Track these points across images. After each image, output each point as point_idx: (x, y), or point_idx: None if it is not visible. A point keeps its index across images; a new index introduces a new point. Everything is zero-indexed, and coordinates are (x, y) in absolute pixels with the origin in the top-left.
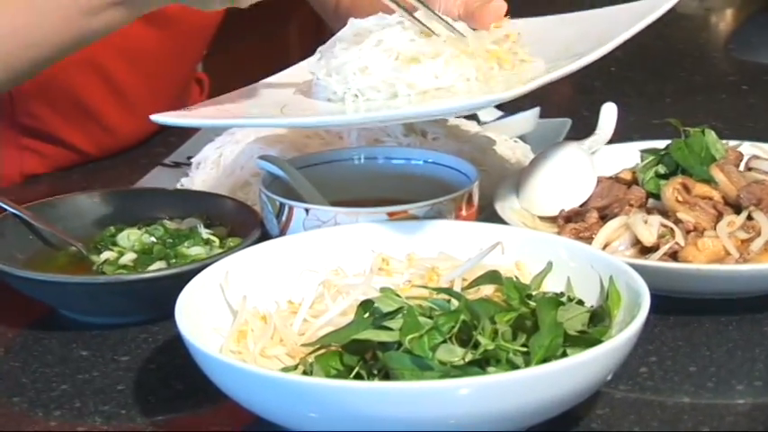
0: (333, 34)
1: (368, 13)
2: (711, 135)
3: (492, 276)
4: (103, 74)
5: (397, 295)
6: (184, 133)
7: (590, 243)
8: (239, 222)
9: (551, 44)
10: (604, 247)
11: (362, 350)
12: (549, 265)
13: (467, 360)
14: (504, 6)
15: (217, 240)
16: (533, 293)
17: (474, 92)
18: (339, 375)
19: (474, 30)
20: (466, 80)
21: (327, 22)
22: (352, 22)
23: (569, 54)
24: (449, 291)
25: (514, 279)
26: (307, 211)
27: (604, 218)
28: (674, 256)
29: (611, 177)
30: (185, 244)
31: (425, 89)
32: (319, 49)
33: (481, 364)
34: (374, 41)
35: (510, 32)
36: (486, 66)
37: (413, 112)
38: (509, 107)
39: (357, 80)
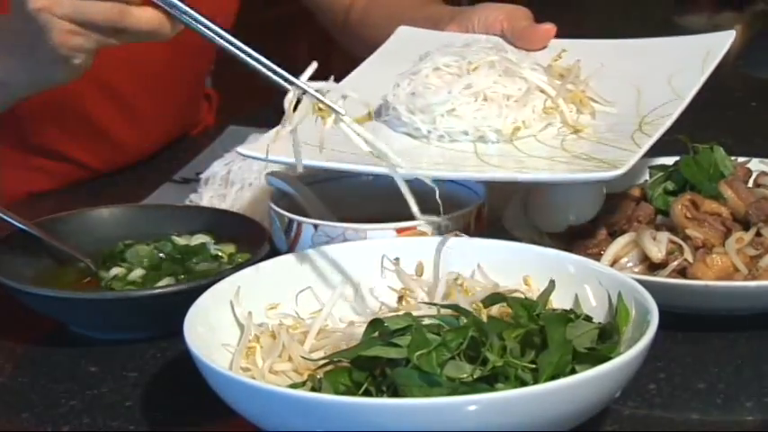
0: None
1: (379, 29)
2: (720, 151)
3: (495, 297)
4: (110, 90)
5: (408, 314)
6: (193, 149)
7: (598, 259)
8: (248, 238)
9: (613, 79)
10: (613, 264)
11: (371, 366)
12: (552, 283)
13: (475, 376)
14: (554, 29)
15: (225, 256)
16: (541, 312)
17: (568, 148)
18: (348, 392)
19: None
20: (549, 125)
21: (335, 36)
22: (431, 55)
23: (646, 105)
24: (456, 307)
25: (522, 296)
26: (315, 227)
27: (613, 234)
28: (682, 272)
29: (619, 194)
30: (194, 260)
31: (513, 135)
32: (397, 77)
33: (489, 381)
34: (462, 85)
35: (569, 65)
36: (567, 109)
37: (531, 178)
38: None
39: (444, 122)
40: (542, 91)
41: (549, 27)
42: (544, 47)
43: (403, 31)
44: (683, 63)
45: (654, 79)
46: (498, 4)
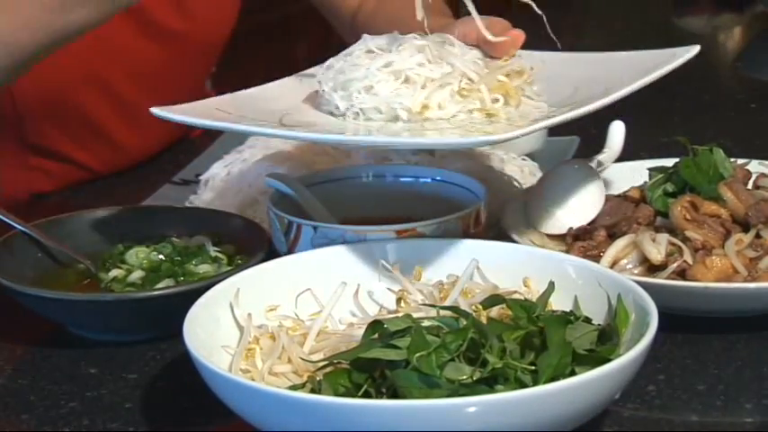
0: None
1: (385, 29)
2: (719, 153)
3: (494, 299)
4: (110, 91)
5: (408, 316)
6: (193, 151)
7: (598, 261)
8: (247, 240)
9: (561, 85)
10: (612, 266)
11: (371, 368)
12: (552, 285)
13: (475, 378)
14: (523, 36)
15: (225, 258)
16: (541, 314)
17: (470, 129)
18: (347, 393)
19: (490, 58)
20: (468, 112)
21: (342, 35)
22: (365, 38)
23: (573, 99)
24: (456, 309)
25: (522, 298)
26: (315, 228)
27: (612, 236)
28: (682, 274)
29: (619, 195)
30: (193, 262)
31: (427, 117)
32: (330, 60)
33: (489, 383)
34: (383, 62)
35: (523, 68)
36: (490, 98)
37: (406, 142)
38: None
39: (361, 99)
40: (468, 79)
41: (518, 34)
42: (513, 54)
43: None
44: (631, 72)
45: (593, 80)
46: (480, 17)
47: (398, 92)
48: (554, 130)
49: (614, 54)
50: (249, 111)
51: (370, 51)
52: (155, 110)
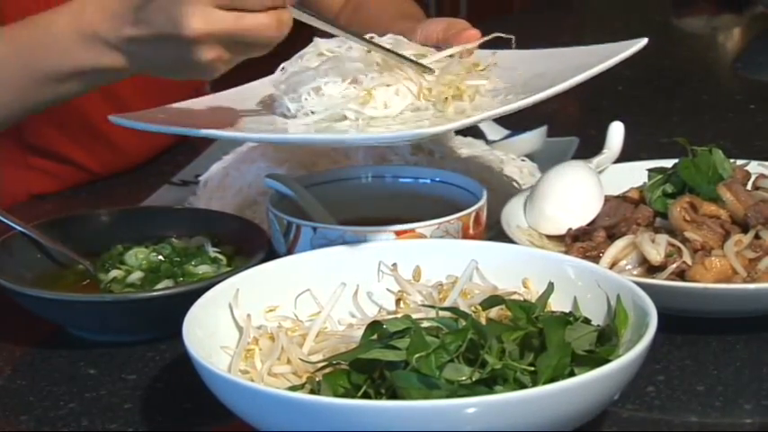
0: None
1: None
2: (719, 154)
3: (493, 300)
4: (109, 92)
5: (407, 317)
6: (192, 152)
7: (597, 262)
8: (247, 241)
9: (513, 81)
10: (612, 266)
11: (370, 369)
12: (551, 286)
13: (474, 379)
14: (478, 34)
15: (224, 259)
16: (540, 314)
17: (413, 125)
18: (347, 394)
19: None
20: (415, 109)
21: None
22: (316, 41)
23: (523, 90)
24: (455, 310)
25: (521, 299)
26: (314, 229)
27: (612, 237)
28: (681, 275)
29: (618, 196)
30: (193, 262)
31: (373, 116)
32: (283, 64)
33: (488, 383)
34: (331, 64)
35: (478, 62)
36: (441, 96)
37: (348, 138)
38: (517, 126)
39: (310, 100)
40: (410, 78)
41: (473, 32)
42: (471, 53)
43: None
44: (577, 65)
45: (544, 76)
46: (441, 18)
47: (345, 93)
48: (553, 131)
49: (567, 49)
50: (207, 115)
51: (320, 54)
52: (112, 118)
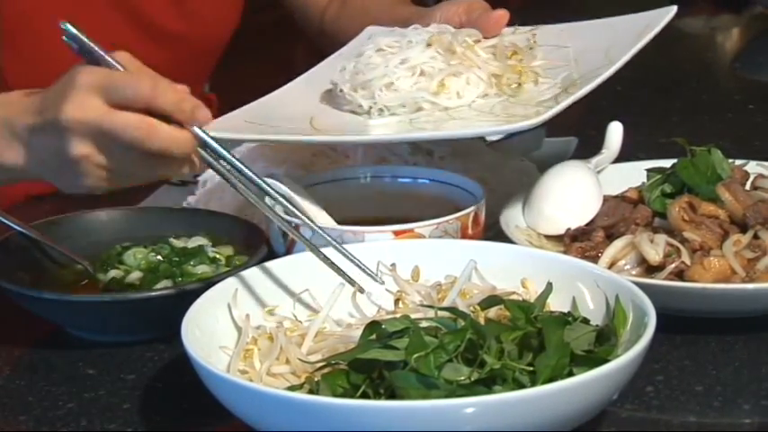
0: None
1: (351, 30)
2: (717, 154)
3: (492, 300)
4: None
5: (406, 317)
6: None
7: (596, 262)
8: (246, 241)
9: (566, 54)
10: (610, 266)
11: (369, 369)
12: (550, 286)
13: (473, 379)
14: (507, 15)
15: (223, 259)
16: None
17: (499, 115)
18: (345, 394)
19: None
20: (484, 96)
21: (311, 36)
22: (374, 38)
23: (581, 67)
24: (454, 310)
25: (520, 299)
26: (313, 229)
27: (610, 237)
28: (680, 275)
29: (617, 196)
30: (192, 262)
31: (448, 106)
32: (341, 62)
33: (487, 383)
34: (399, 59)
35: (518, 47)
36: (509, 82)
37: (453, 134)
38: None
39: (383, 96)
40: (477, 65)
41: (502, 13)
42: (498, 33)
43: (370, 31)
44: (621, 37)
45: (592, 52)
46: (458, 1)
47: (417, 86)
48: (552, 131)
49: (596, 21)
50: (276, 119)
51: (380, 50)
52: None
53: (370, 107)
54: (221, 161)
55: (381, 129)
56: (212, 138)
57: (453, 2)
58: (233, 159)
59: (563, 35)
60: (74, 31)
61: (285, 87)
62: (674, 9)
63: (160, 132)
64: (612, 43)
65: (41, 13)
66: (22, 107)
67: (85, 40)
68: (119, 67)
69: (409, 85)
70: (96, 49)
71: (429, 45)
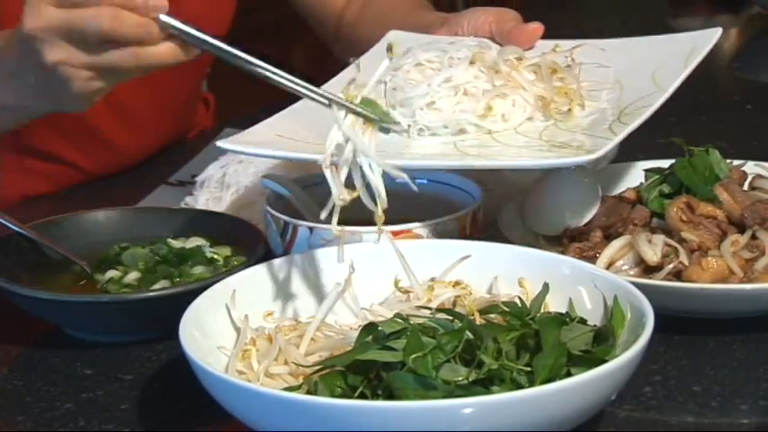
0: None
1: (371, 35)
2: (715, 154)
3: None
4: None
5: (403, 318)
6: (188, 152)
7: (594, 262)
8: (243, 241)
9: (598, 75)
10: (608, 267)
11: (366, 370)
12: (546, 287)
13: (470, 379)
14: (542, 29)
15: (221, 259)
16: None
17: (546, 140)
18: (343, 395)
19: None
20: (530, 119)
21: (325, 41)
22: (413, 51)
23: (628, 96)
24: (450, 311)
25: (517, 300)
26: (311, 230)
27: (608, 237)
28: (678, 275)
29: (615, 196)
30: (189, 263)
31: (493, 129)
32: (376, 75)
33: (485, 384)
34: (442, 78)
35: (558, 66)
36: (558, 107)
37: (502, 164)
38: None
39: (425, 116)
40: (522, 86)
41: (537, 26)
42: (532, 47)
43: (393, 36)
44: (667, 59)
45: (638, 74)
46: (486, 8)
47: (460, 106)
48: None
49: (640, 40)
50: (307, 133)
51: (419, 65)
52: (221, 143)
53: (409, 126)
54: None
55: (425, 150)
56: (180, 23)
57: (481, 9)
58: (213, 42)
59: (603, 53)
60: None
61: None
62: (719, 31)
63: (124, 18)
64: (659, 66)
65: None
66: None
67: None
68: None
69: (452, 104)
70: None
71: (472, 63)
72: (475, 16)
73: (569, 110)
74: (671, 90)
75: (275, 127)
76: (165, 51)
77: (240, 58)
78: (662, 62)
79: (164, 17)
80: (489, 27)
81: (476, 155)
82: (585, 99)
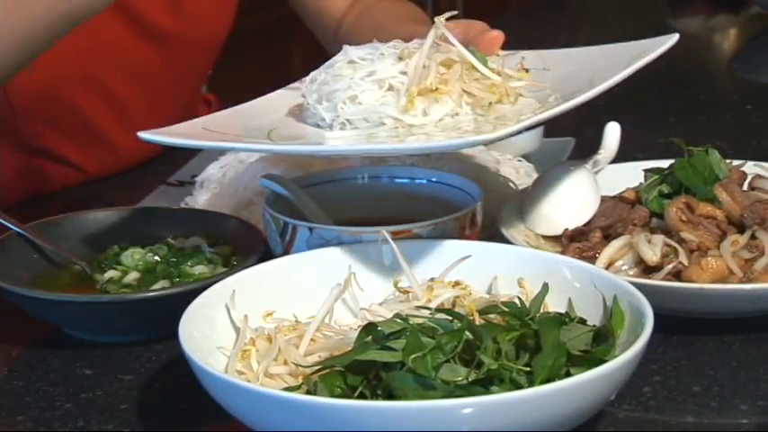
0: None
1: (369, 39)
2: (715, 154)
3: (489, 309)
4: (106, 93)
5: (402, 318)
6: (188, 152)
7: (593, 262)
8: (243, 241)
9: (550, 78)
10: (608, 267)
11: (366, 370)
12: (546, 287)
13: (470, 379)
14: (502, 37)
15: (220, 259)
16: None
17: (458, 131)
18: (343, 395)
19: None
20: (454, 115)
21: (326, 47)
22: (346, 49)
23: (561, 93)
24: (450, 311)
25: (516, 300)
26: (310, 230)
27: (608, 237)
28: (677, 275)
29: (614, 197)
30: (189, 263)
31: (412, 123)
32: (312, 73)
33: (484, 384)
34: (366, 71)
35: (514, 71)
36: (481, 101)
37: (391, 148)
38: None
39: (346, 109)
40: (446, 81)
41: (497, 34)
42: (493, 54)
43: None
44: (609, 64)
45: (576, 78)
46: (458, 20)
47: (383, 100)
48: (550, 132)
49: (594, 48)
50: (235, 128)
51: (351, 62)
52: (142, 134)
53: (333, 120)
54: None
55: (337, 141)
56: None
57: (454, 22)
58: None
59: (551, 60)
60: None
61: (262, 98)
62: (675, 37)
63: None
64: (598, 70)
65: None
66: None
67: None
68: None
69: (374, 99)
70: None
71: (400, 59)
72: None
73: (490, 104)
74: (601, 88)
75: (204, 123)
76: None
77: None
78: (603, 67)
79: None
80: (457, 37)
81: (386, 141)
82: (522, 96)
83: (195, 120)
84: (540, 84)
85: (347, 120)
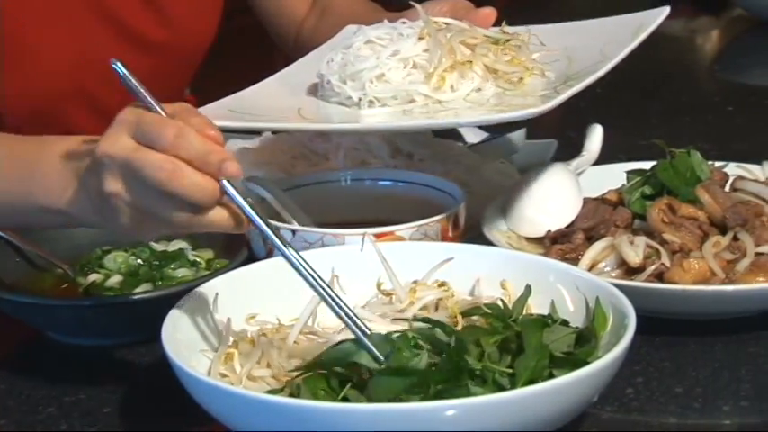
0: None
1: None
2: (697, 156)
3: (471, 311)
4: (96, 104)
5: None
6: None
7: (576, 264)
8: (226, 244)
9: (557, 54)
10: (590, 268)
11: (349, 373)
12: (528, 289)
13: (453, 381)
14: (495, 13)
15: (203, 262)
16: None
17: (494, 105)
18: (326, 398)
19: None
20: (478, 90)
21: (288, 52)
22: (363, 29)
23: (577, 66)
24: (428, 319)
25: (499, 302)
26: (293, 232)
27: (590, 239)
28: (660, 276)
29: (597, 198)
30: (172, 266)
31: (442, 99)
32: (328, 54)
33: (467, 386)
34: (391, 51)
35: (512, 44)
36: (507, 77)
37: (446, 122)
38: (495, 128)
39: (374, 88)
40: (469, 59)
41: (490, 11)
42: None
43: (350, 29)
44: (616, 34)
45: (586, 49)
46: (441, 0)
47: (410, 78)
48: (532, 134)
49: (591, 21)
50: (262, 109)
51: (369, 42)
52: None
53: (360, 99)
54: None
55: (374, 119)
56: (241, 194)
57: (436, 2)
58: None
59: (553, 35)
60: (121, 70)
61: (265, 81)
62: (667, 9)
63: (183, 176)
64: (607, 41)
65: (32, 27)
66: (83, 150)
67: (129, 78)
68: (157, 108)
69: (401, 76)
70: (136, 86)
71: (421, 38)
72: (430, 6)
73: (521, 79)
74: (617, 59)
75: (229, 104)
76: (218, 220)
77: (287, 256)
78: (610, 38)
79: (227, 184)
80: (443, 15)
81: (423, 117)
82: (545, 70)
83: (215, 103)
84: (557, 51)
85: (375, 98)
